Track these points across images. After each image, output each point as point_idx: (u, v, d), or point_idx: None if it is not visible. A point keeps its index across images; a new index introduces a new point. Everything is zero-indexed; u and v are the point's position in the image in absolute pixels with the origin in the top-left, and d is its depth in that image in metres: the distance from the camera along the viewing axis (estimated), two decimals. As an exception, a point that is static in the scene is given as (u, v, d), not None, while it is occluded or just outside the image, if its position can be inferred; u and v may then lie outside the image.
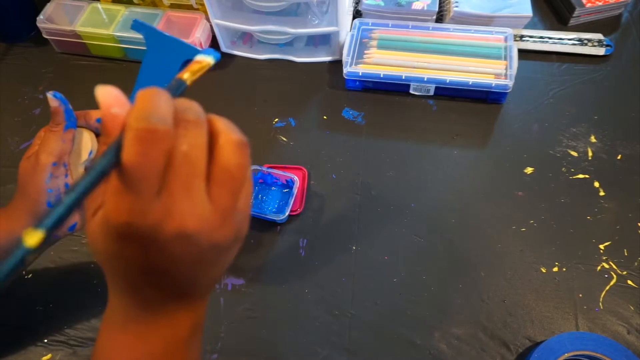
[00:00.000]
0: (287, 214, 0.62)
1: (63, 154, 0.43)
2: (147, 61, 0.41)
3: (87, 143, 0.44)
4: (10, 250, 0.21)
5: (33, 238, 0.21)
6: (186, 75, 0.31)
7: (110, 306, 0.30)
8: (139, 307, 0.29)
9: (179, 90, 0.30)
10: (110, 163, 0.23)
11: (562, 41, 0.80)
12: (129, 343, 0.29)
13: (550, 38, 0.81)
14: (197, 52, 0.40)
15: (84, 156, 0.43)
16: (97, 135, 0.45)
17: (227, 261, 0.29)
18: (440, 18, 0.83)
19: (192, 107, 0.26)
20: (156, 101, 0.24)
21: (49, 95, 0.41)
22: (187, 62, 0.40)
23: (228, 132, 0.26)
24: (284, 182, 0.66)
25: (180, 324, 0.30)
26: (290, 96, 0.78)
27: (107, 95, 0.24)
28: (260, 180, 0.67)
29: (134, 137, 0.23)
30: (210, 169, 0.25)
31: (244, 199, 0.27)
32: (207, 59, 0.34)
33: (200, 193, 0.25)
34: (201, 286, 0.30)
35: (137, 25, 0.41)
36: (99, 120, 0.45)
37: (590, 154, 0.69)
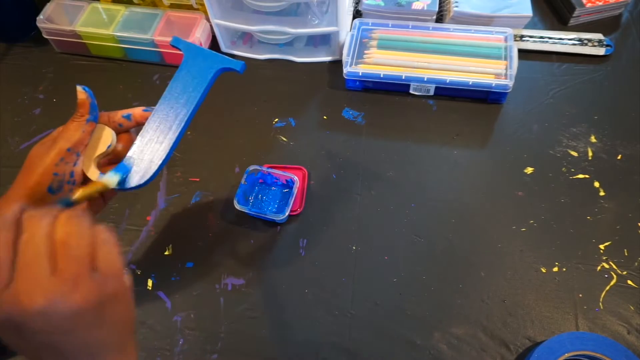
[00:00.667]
0: (287, 214, 0.62)
1: (79, 143, 0.44)
2: (182, 69, 0.47)
3: (107, 138, 0.46)
4: None
5: None
6: (77, 195, 0.40)
7: None
8: None
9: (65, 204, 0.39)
10: None
11: (562, 41, 0.80)
12: None
13: (550, 38, 0.81)
14: (230, 62, 0.46)
15: (101, 149, 0.45)
16: (118, 133, 0.47)
17: (113, 317, 0.32)
18: (440, 18, 0.83)
19: (37, 210, 0.31)
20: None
21: (79, 87, 0.44)
22: (221, 70, 0.46)
23: (62, 213, 0.31)
24: (284, 182, 0.66)
25: None
26: (290, 96, 0.78)
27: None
28: (260, 180, 0.67)
29: None
30: (53, 247, 0.30)
31: (101, 260, 0.31)
32: (106, 182, 0.42)
33: (43, 270, 0.29)
34: (105, 345, 0.33)
35: (176, 40, 0.48)
36: (125, 116, 0.47)
37: (590, 154, 0.69)
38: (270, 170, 0.65)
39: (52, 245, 0.30)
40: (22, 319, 0.28)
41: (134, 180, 0.44)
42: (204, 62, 0.46)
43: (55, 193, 0.44)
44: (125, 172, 0.44)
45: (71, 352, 0.31)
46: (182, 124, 0.45)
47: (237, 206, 0.62)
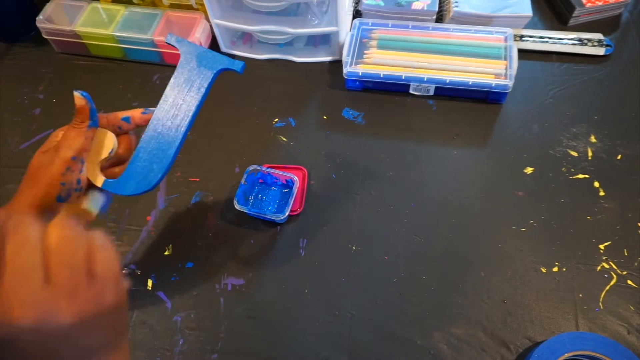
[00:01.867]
0: (287, 214, 0.62)
1: (83, 150, 0.44)
2: (182, 70, 0.46)
3: (110, 142, 0.46)
4: None
5: None
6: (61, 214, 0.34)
7: None
8: None
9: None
10: None
11: (562, 41, 0.80)
12: None
13: (550, 38, 0.81)
14: (231, 63, 0.45)
15: (104, 154, 0.45)
16: (118, 135, 0.47)
17: (110, 322, 0.31)
18: (440, 18, 0.83)
19: (19, 219, 0.28)
20: None
21: (77, 93, 0.43)
22: (222, 71, 0.45)
23: (53, 220, 0.28)
24: (284, 182, 0.66)
25: None
26: (290, 96, 0.78)
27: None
28: (260, 180, 0.67)
29: None
30: (45, 254, 0.27)
31: (99, 267, 0.29)
32: (90, 208, 0.42)
33: (35, 280, 0.26)
34: (99, 347, 0.31)
35: (175, 40, 0.46)
36: (124, 119, 0.47)
37: (590, 154, 0.69)
38: (270, 170, 0.65)
39: (45, 252, 0.27)
40: (12, 332, 0.26)
41: (141, 186, 0.44)
42: (203, 62, 0.45)
43: (64, 201, 0.44)
44: (104, 206, 0.44)
45: (64, 357, 0.29)
46: (185, 129, 0.44)
47: (237, 206, 0.62)
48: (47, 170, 0.43)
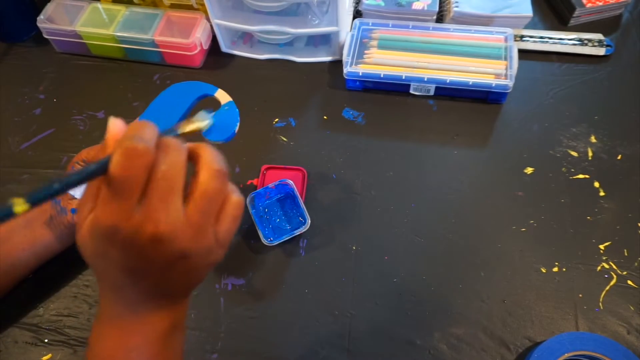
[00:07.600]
0: (307, 220, 0.61)
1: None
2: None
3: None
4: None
5: (20, 207, 0.27)
6: (180, 129, 0.37)
7: (101, 302, 0.35)
8: (122, 305, 0.33)
9: (169, 133, 0.36)
10: (98, 169, 0.28)
11: (562, 41, 0.80)
12: (112, 335, 0.34)
13: (550, 38, 0.81)
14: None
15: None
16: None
17: (198, 275, 0.34)
18: (440, 18, 0.83)
19: (173, 139, 0.30)
20: (142, 128, 0.29)
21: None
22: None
23: (209, 160, 0.31)
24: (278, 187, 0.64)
25: (158, 322, 0.34)
26: (290, 96, 0.78)
27: (116, 123, 0.31)
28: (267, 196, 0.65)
29: (119, 153, 0.28)
30: (189, 189, 0.30)
31: (224, 223, 0.32)
32: (201, 124, 0.42)
33: (175, 206, 0.29)
34: (175, 291, 0.35)
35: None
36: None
37: (590, 154, 0.69)
38: (269, 170, 0.65)
39: (191, 188, 0.30)
40: (137, 240, 0.28)
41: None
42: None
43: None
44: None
45: (149, 286, 0.32)
46: None
47: (265, 241, 0.61)
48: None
